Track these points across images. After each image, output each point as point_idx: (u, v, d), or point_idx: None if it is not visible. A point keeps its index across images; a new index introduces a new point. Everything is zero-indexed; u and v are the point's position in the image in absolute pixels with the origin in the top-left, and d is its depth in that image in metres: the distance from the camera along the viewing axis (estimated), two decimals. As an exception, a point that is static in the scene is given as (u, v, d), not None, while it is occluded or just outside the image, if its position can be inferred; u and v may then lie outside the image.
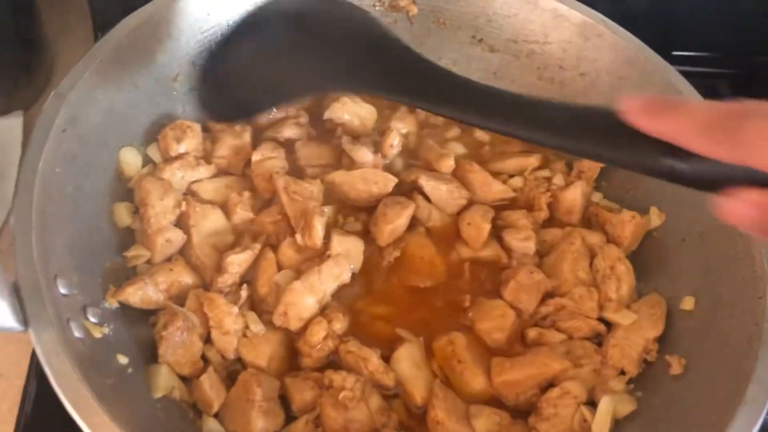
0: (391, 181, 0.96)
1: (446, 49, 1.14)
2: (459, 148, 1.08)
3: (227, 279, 0.85)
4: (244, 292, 0.85)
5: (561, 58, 1.08)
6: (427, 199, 0.98)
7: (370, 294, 0.91)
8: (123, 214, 0.88)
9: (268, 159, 0.97)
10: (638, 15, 1.22)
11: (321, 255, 0.88)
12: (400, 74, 0.69)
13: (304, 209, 0.89)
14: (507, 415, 0.82)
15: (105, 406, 0.64)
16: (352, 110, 1.04)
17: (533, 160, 1.05)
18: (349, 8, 0.76)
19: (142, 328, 0.82)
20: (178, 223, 0.89)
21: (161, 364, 0.79)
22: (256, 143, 1.00)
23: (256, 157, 0.96)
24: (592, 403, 0.84)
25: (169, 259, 0.87)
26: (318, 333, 0.82)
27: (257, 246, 0.88)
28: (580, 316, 0.89)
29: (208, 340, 0.83)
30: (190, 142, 0.95)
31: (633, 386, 0.86)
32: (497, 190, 1.01)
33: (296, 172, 0.98)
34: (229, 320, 0.81)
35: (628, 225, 0.95)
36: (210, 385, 0.77)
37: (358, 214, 0.98)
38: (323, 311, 0.85)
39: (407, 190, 0.99)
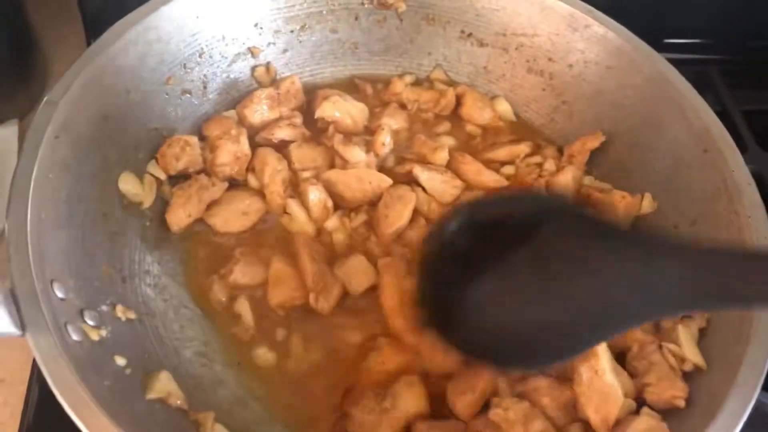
0: (386, 182, 0.97)
1: (436, 45, 1.15)
2: (450, 141, 1.09)
3: None
4: None
5: (550, 50, 1.09)
6: (424, 190, 0.99)
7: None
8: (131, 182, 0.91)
9: (278, 172, 0.97)
10: (629, 3, 1.23)
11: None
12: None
13: (323, 272, 0.90)
14: None
15: (104, 408, 0.65)
16: (343, 108, 1.04)
17: (524, 147, 1.06)
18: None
19: (141, 329, 0.83)
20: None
21: (162, 370, 0.80)
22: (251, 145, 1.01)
23: (267, 172, 0.97)
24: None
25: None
26: None
27: None
28: None
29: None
30: (189, 157, 0.96)
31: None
32: (490, 179, 1.02)
33: (291, 176, 1.00)
34: None
35: (619, 204, 0.96)
36: None
37: (360, 208, 0.99)
38: None
39: (402, 183, 1.00)
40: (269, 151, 1.00)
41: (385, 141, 1.02)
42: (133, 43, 0.92)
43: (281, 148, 1.02)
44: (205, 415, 0.78)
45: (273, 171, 0.97)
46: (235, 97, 1.07)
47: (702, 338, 0.83)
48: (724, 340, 0.79)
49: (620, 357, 0.83)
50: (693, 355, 0.81)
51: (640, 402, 0.80)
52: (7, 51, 1.13)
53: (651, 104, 0.99)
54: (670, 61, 1.00)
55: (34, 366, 0.91)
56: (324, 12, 1.10)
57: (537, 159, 1.05)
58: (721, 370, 0.76)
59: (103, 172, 0.89)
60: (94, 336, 0.75)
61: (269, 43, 1.08)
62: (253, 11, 1.05)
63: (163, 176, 0.95)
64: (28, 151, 0.78)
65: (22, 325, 0.67)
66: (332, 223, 0.96)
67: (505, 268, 0.67)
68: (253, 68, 1.08)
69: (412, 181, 1.00)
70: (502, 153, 1.06)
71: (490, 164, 1.04)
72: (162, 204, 0.95)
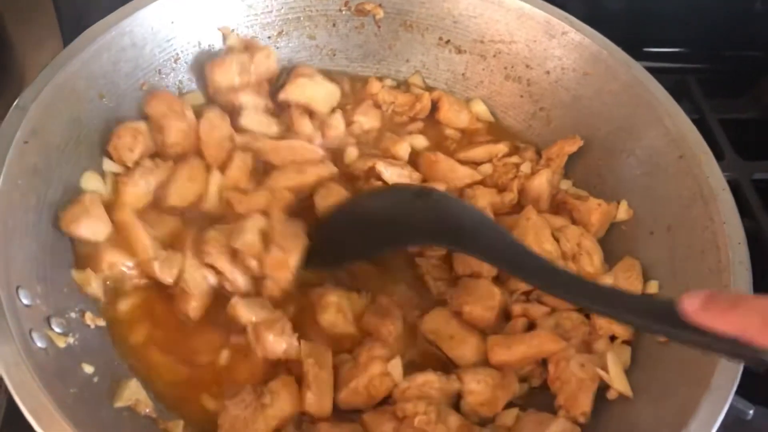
0: (315, 153, 0.97)
1: (414, 52, 1.15)
2: (422, 141, 1.08)
3: None
4: None
5: (527, 57, 1.09)
6: (385, 184, 0.99)
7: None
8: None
9: (215, 128, 0.95)
10: (610, 13, 1.24)
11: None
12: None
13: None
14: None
15: (67, 416, 0.64)
16: (309, 92, 1.02)
17: (502, 146, 1.06)
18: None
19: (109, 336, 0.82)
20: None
21: (132, 377, 0.79)
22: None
23: (204, 127, 0.95)
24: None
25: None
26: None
27: None
28: None
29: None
30: (142, 144, 0.92)
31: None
32: (464, 174, 1.02)
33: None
34: None
35: (594, 212, 0.96)
36: None
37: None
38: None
39: (363, 178, 1.00)
40: (213, 108, 0.98)
41: (334, 124, 1.02)
42: (107, 48, 0.92)
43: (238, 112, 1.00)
44: (175, 423, 0.77)
45: (211, 126, 0.95)
46: (212, 103, 1.06)
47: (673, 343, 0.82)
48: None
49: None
50: (619, 384, 0.82)
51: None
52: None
53: (627, 110, 0.99)
54: (649, 69, 1.00)
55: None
56: (301, 18, 1.10)
57: (515, 159, 1.05)
58: (694, 374, 0.75)
59: (74, 176, 0.88)
60: (61, 343, 0.74)
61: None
62: (229, 17, 1.04)
63: (120, 170, 0.92)
64: (-4, 157, 0.77)
65: (-16, 332, 0.66)
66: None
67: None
68: (226, 35, 1.06)
69: (373, 176, 0.99)
70: (479, 151, 1.06)
71: (466, 163, 1.04)
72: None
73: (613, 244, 0.96)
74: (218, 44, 1.05)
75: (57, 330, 0.74)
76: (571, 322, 0.88)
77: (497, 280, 0.90)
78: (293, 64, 1.11)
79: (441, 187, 0.98)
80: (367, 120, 1.07)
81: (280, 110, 1.03)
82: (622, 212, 0.97)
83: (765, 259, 0.90)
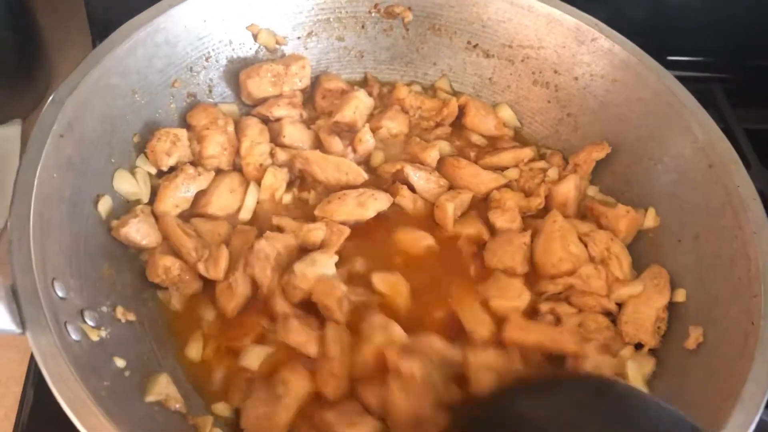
0: (361, 177, 0.99)
1: (442, 55, 1.15)
2: (445, 147, 1.09)
3: None
4: None
5: (555, 63, 1.09)
6: (411, 189, 1.00)
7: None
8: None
9: (257, 145, 0.98)
10: (633, 21, 1.23)
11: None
12: None
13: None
14: None
15: (102, 408, 0.64)
16: (362, 110, 1.05)
17: (528, 151, 1.06)
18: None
19: (141, 332, 0.83)
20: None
21: (162, 372, 0.79)
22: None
23: (245, 144, 0.98)
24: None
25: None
26: None
27: None
28: (590, 294, 0.90)
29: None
30: (180, 151, 0.95)
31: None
32: (488, 179, 1.03)
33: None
34: None
35: (622, 219, 0.96)
36: None
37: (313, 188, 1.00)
38: None
39: (390, 182, 1.01)
40: (253, 122, 1.01)
41: (364, 138, 1.03)
42: (141, 45, 0.92)
43: (275, 125, 1.02)
44: (204, 419, 0.77)
45: (251, 143, 0.98)
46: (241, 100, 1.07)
47: (703, 350, 0.83)
48: (727, 356, 0.79)
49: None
50: None
51: None
52: (13, 52, 1.13)
53: (656, 118, 0.99)
54: (673, 78, 1.00)
55: (30, 368, 0.90)
56: (331, 19, 1.10)
57: (542, 164, 1.06)
58: (724, 385, 0.75)
59: (107, 171, 0.88)
60: (94, 336, 0.74)
61: (276, 49, 1.08)
62: (260, 17, 1.05)
63: (153, 171, 0.95)
64: (33, 149, 0.78)
65: (22, 323, 0.66)
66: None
67: None
68: (257, 33, 1.06)
69: (399, 180, 1.00)
70: (506, 156, 1.06)
71: (491, 169, 1.04)
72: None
73: (640, 251, 0.96)
74: (249, 43, 1.06)
75: (90, 323, 0.75)
76: (596, 325, 0.89)
77: (527, 280, 0.91)
78: (320, 66, 1.12)
79: (466, 195, 0.99)
80: (394, 125, 1.08)
81: (311, 120, 1.05)
82: (650, 220, 0.97)
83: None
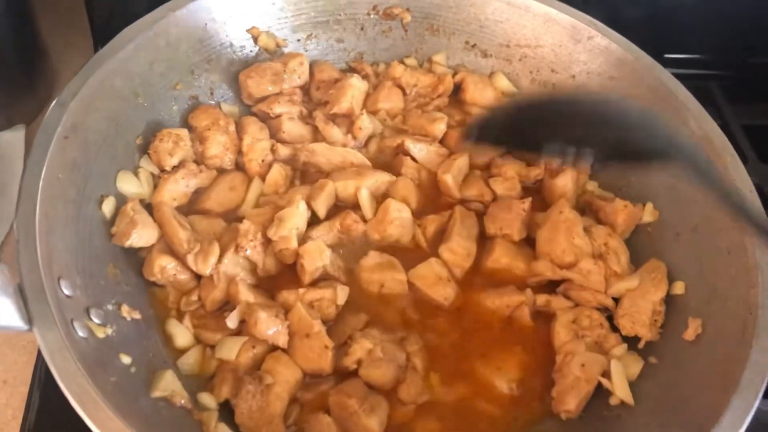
0: (366, 164, 1.01)
1: (440, 56, 1.16)
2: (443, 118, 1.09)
3: None
4: None
5: (553, 61, 1.10)
6: (414, 160, 1.02)
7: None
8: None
9: (258, 141, 1.00)
10: (631, 19, 1.24)
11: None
12: None
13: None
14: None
15: (109, 403, 0.65)
16: (358, 98, 1.06)
17: None
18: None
19: (146, 329, 0.84)
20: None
21: (168, 369, 0.80)
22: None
23: (247, 141, 0.99)
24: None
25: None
26: None
27: None
28: (588, 289, 0.91)
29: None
30: (183, 151, 0.96)
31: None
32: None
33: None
34: None
35: (620, 213, 0.97)
36: None
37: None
38: None
39: (392, 155, 1.04)
40: (252, 120, 1.02)
41: (364, 125, 1.04)
42: (143, 48, 0.94)
43: (275, 121, 1.04)
44: (209, 415, 0.78)
45: (252, 140, 0.99)
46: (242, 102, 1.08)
47: (702, 340, 0.84)
48: (726, 346, 0.80)
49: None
50: (621, 391, 0.83)
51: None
52: (15, 57, 1.14)
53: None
54: (670, 76, 1.01)
55: (36, 368, 0.91)
56: (330, 22, 1.12)
57: None
58: (720, 376, 0.76)
59: (110, 172, 0.90)
60: (100, 333, 0.75)
61: (276, 51, 1.10)
62: (260, 20, 1.07)
63: (156, 171, 0.95)
64: (38, 150, 0.79)
65: (29, 320, 0.67)
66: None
67: None
68: (257, 36, 1.08)
69: (402, 152, 1.03)
70: None
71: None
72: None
73: (638, 245, 0.97)
74: (250, 46, 1.07)
75: (96, 321, 0.76)
76: (590, 321, 0.90)
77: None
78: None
79: (462, 159, 1.02)
80: (390, 103, 1.10)
81: (310, 116, 1.06)
82: (648, 214, 0.98)
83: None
